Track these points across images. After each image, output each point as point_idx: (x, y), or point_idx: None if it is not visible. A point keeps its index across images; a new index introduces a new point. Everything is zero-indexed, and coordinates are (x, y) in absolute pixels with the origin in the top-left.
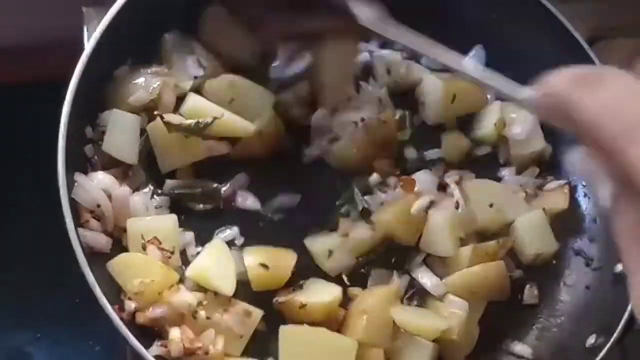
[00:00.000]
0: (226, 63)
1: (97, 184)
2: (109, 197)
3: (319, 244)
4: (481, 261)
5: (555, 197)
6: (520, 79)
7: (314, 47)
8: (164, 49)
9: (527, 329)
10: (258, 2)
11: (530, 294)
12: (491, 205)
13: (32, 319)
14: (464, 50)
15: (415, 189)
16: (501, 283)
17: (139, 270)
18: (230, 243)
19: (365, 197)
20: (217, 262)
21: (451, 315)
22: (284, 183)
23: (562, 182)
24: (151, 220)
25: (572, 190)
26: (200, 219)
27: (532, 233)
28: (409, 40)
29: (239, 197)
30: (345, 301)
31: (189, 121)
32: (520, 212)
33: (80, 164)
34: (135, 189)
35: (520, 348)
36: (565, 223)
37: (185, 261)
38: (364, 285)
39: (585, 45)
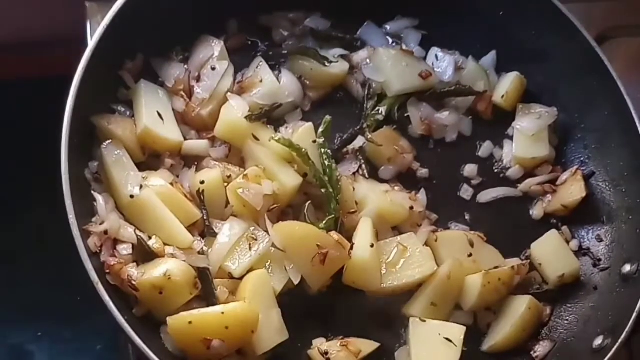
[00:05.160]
0: None
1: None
2: None
3: None
4: (494, 290)
5: (571, 188)
6: (527, 77)
7: None
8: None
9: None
10: None
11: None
12: (470, 255)
13: (34, 317)
14: (470, 46)
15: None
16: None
17: None
18: None
19: None
20: None
21: None
22: None
23: (572, 169)
24: None
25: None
26: None
27: (551, 256)
28: None
29: None
30: None
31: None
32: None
33: (83, 161)
34: None
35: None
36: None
37: None
38: None
39: (594, 44)
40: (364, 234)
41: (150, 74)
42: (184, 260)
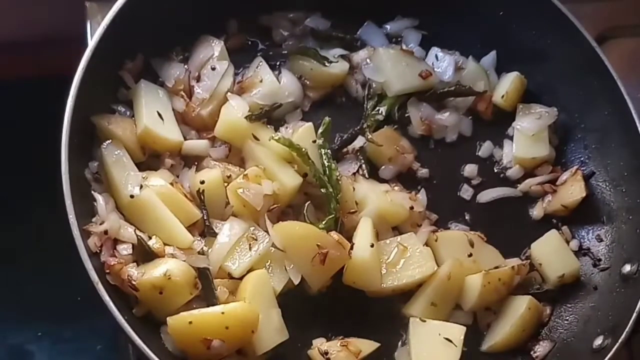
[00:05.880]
0: None
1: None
2: None
3: None
4: (494, 290)
5: (571, 188)
6: (527, 77)
7: None
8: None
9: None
10: None
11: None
12: (470, 255)
13: (34, 317)
14: (470, 46)
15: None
16: None
17: None
18: None
19: None
20: None
21: None
22: None
23: (572, 169)
24: None
25: (586, 177)
26: None
27: (551, 256)
28: None
29: None
30: None
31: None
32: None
33: (84, 161)
34: None
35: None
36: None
37: None
38: None
39: (594, 44)
40: (364, 234)
41: (150, 74)
42: (184, 260)
